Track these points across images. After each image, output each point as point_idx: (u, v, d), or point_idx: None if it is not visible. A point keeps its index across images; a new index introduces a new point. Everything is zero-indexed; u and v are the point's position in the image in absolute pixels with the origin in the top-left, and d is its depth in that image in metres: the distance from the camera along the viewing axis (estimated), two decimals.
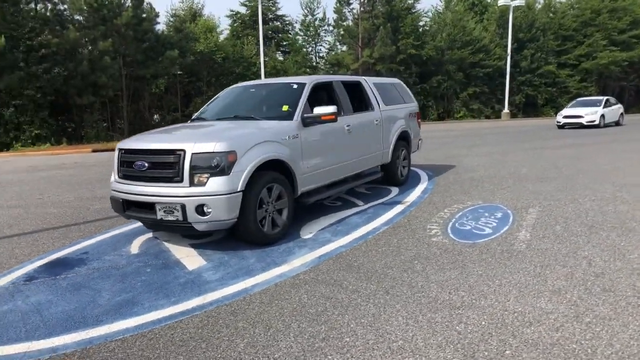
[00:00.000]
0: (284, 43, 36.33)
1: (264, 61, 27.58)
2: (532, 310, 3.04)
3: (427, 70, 36.33)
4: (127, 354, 2.75)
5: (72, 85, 19.63)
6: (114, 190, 4.70)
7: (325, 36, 35.18)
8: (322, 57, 35.89)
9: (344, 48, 35.23)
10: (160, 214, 4.31)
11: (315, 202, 5.71)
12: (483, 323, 2.89)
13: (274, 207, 4.75)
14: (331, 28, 34.42)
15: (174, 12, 27.66)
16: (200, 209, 4.18)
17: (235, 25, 36.77)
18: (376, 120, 6.75)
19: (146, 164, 4.42)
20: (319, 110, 5.20)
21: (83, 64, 20.04)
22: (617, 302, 3.10)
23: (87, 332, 3.03)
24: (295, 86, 5.64)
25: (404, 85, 8.41)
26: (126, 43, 22.37)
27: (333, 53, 35.52)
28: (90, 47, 20.82)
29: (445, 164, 10.18)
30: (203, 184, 4.20)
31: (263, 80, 6.32)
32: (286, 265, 4.11)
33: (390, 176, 7.45)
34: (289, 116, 5.16)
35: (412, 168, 9.58)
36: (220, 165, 4.22)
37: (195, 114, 6.16)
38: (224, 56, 27.45)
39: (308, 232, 5.10)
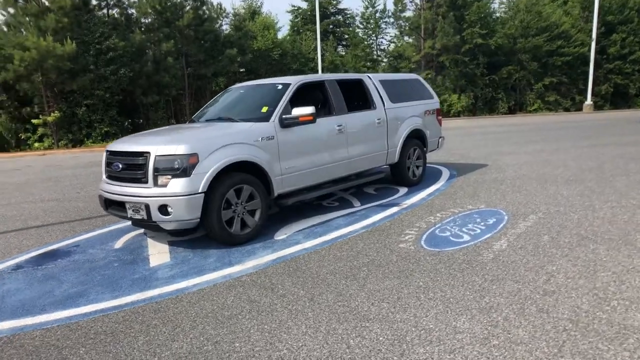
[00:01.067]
0: (345, 37, 36.18)
1: (323, 56, 27.74)
2: (442, 329, 2.85)
3: (497, 60, 34.30)
4: (42, 342, 2.99)
5: (138, 85, 21.10)
6: (100, 189, 5.06)
7: (386, 28, 34.53)
8: (383, 50, 35.29)
9: (406, 40, 34.38)
10: (129, 213, 4.58)
11: (306, 202, 5.72)
12: (380, 338, 2.77)
13: (244, 208, 4.84)
14: (392, 20, 33.69)
15: (234, 11, 28.70)
16: (163, 209, 4.38)
17: (296, 20, 37.30)
18: (378, 119, 6.58)
19: (120, 165, 4.70)
20: (297, 111, 5.20)
21: (148, 65, 21.47)
22: (542, 326, 2.82)
23: (25, 320, 3.34)
24: (279, 87, 5.67)
25: (423, 81, 8.08)
26: (188, 43, 23.59)
27: (394, 46, 34.78)
28: (154, 49, 22.22)
29: (480, 162, 9.65)
30: (165, 185, 4.40)
31: (257, 81, 6.41)
32: (238, 266, 4.19)
33: (400, 176, 7.24)
34: (266, 117, 5.21)
35: (438, 167, 9.23)
36: (182, 168, 4.39)
37: (194, 115, 6.41)
38: (281, 52, 28.01)
39: (284, 233, 5.14)
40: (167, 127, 6.37)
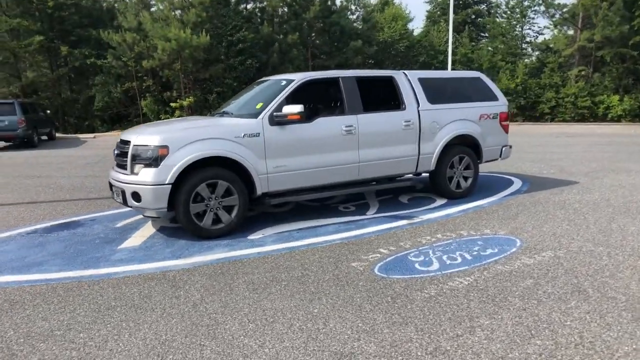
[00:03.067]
0: (486, 26, 33.26)
1: (455, 49, 26.06)
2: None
3: None
4: None
5: (264, 75, 22.55)
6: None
7: (534, 18, 30.64)
8: (529, 43, 31.50)
9: (558, 30, 30.16)
10: (114, 196, 4.98)
11: (318, 204, 5.53)
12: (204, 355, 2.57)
13: (218, 204, 4.87)
14: (542, 8, 29.75)
15: (363, 3, 28.51)
16: (135, 196, 4.66)
17: (434, 10, 35.54)
18: (406, 121, 5.97)
19: (116, 152, 5.12)
20: (287, 109, 5.01)
21: (274, 56, 22.77)
22: None
23: None
24: (283, 82, 5.52)
25: (486, 80, 7.05)
26: (314, 35, 24.33)
27: (543, 38, 30.82)
28: (280, 40, 23.41)
29: (571, 179, 8.12)
30: (137, 174, 4.66)
31: (277, 76, 6.29)
32: (181, 261, 4.26)
33: (438, 187, 6.51)
34: (256, 114, 5.13)
35: (513, 178, 8.05)
36: (152, 158, 4.60)
37: (221, 107, 6.63)
38: (407, 44, 27.05)
39: (260, 234, 5.05)
40: (183, 118, 6.70)
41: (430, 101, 6.22)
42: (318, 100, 6.86)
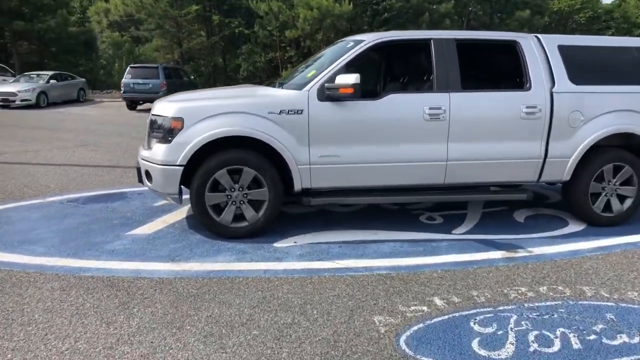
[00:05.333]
0: None
1: None
2: None
3: None
4: None
5: None
6: None
7: None
8: None
9: None
10: None
11: (392, 209, 4.25)
12: None
13: (242, 196, 3.85)
14: None
15: None
16: (147, 175, 3.92)
17: None
18: (529, 107, 4.08)
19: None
20: (341, 79, 3.68)
21: (422, 27, 20.72)
22: None
23: None
24: (350, 44, 4.14)
25: None
26: (472, 3, 21.47)
27: None
28: (432, 10, 21.15)
29: None
30: (152, 149, 3.88)
31: (355, 36, 4.84)
32: (169, 265, 3.39)
33: (573, 204, 4.50)
34: (302, 85, 3.90)
35: None
36: (165, 132, 3.75)
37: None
38: (590, 15, 22.04)
39: (292, 242, 3.89)
40: (230, 87, 5.72)
41: (572, 80, 4.18)
42: (395, 71, 5.25)
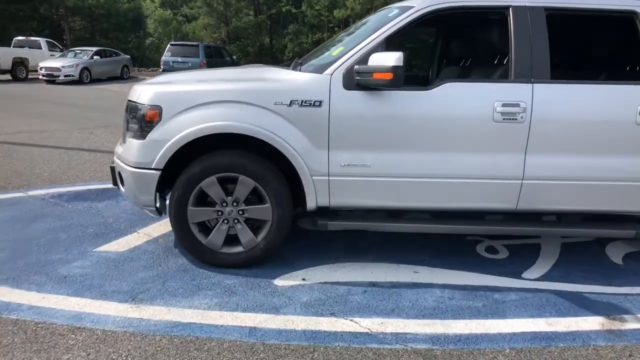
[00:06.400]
0: None
1: None
2: None
3: None
4: None
5: None
6: None
7: None
8: None
9: None
10: None
11: (371, 234, 3.19)
12: None
13: (238, 213, 2.88)
14: None
15: None
16: (120, 177, 3.02)
17: None
18: None
19: None
20: (376, 59, 2.59)
21: None
22: None
23: None
24: (393, 12, 3.01)
25: None
26: None
27: None
28: None
29: None
30: (126, 144, 2.97)
31: (400, 3, 3.63)
32: (131, 308, 2.48)
33: None
34: (324, 67, 2.84)
35: None
36: (138, 123, 2.83)
37: None
38: None
39: (301, 278, 2.90)
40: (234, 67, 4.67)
41: None
42: (454, 50, 4.03)
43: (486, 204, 2.95)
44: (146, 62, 24.11)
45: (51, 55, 18.38)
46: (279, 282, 2.82)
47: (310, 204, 2.87)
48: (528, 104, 2.76)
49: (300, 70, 2.95)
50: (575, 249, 3.48)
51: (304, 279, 2.86)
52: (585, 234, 3.37)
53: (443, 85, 2.79)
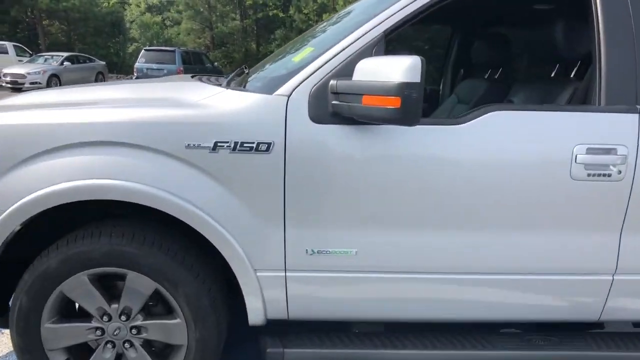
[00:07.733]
0: None
1: None
2: None
3: None
4: None
5: None
6: None
7: None
8: None
9: None
10: None
11: None
12: None
13: (129, 332, 1.66)
14: None
15: None
16: None
17: None
18: None
19: None
20: (367, 69, 1.39)
21: None
22: None
23: None
24: None
25: None
26: None
27: None
28: None
29: None
30: None
31: None
32: None
33: None
34: (276, 83, 1.63)
35: None
36: None
37: None
38: None
39: None
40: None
41: None
42: (480, 57, 2.70)
43: (551, 313, 1.77)
44: (126, 68, 22.84)
45: (19, 60, 17.07)
46: None
47: (254, 316, 1.67)
48: (632, 149, 1.58)
49: (239, 88, 1.75)
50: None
51: None
52: None
53: (485, 116, 1.59)
